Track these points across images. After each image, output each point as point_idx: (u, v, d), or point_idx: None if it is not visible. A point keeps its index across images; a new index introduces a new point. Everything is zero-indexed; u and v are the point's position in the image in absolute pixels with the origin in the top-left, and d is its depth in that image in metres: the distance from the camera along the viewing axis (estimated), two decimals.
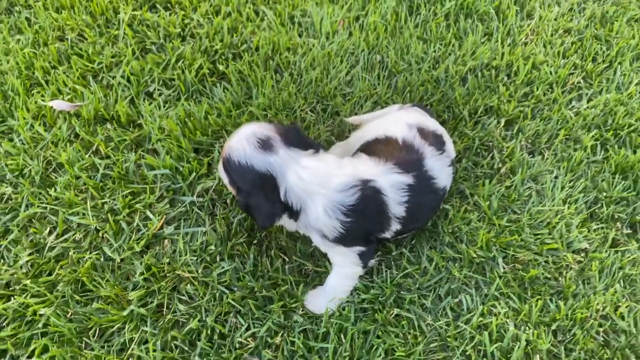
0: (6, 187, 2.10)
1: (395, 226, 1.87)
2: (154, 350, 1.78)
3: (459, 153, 2.25)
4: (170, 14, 2.62)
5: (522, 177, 2.18)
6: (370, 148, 1.97)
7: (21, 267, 1.93)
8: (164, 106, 2.32)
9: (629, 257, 2.02)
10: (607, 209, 2.12)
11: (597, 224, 2.10)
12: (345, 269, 1.90)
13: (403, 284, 1.95)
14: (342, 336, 1.83)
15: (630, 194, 2.17)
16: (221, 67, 2.43)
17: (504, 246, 2.02)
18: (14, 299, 1.85)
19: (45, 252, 1.96)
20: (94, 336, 1.82)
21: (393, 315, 1.89)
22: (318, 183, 1.73)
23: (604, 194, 2.16)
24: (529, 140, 2.29)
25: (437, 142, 1.98)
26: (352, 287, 1.93)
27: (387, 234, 1.89)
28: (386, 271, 1.97)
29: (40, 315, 1.83)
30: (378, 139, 1.99)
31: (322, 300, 1.90)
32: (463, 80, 2.45)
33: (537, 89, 2.43)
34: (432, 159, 1.92)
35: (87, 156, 2.18)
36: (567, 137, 2.32)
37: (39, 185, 2.10)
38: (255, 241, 2.03)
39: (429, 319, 1.88)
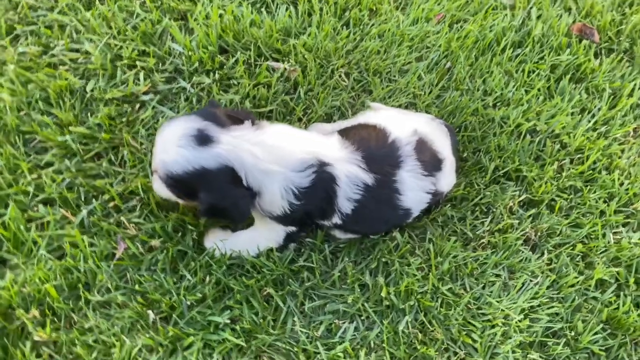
0: None
1: (336, 219, 1.72)
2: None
3: (454, 199, 1.97)
4: None
5: (498, 260, 1.86)
6: (350, 131, 1.79)
7: None
8: None
9: None
10: (564, 351, 1.75)
11: (539, 356, 1.74)
12: (263, 238, 1.80)
13: (299, 275, 1.80)
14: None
15: (601, 352, 1.77)
16: None
17: (423, 308, 1.76)
18: None
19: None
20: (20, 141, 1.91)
21: (265, 293, 1.75)
22: (275, 160, 1.60)
23: (574, 334, 1.78)
24: (537, 234, 1.94)
25: (430, 164, 1.76)
26: (255, 253, 1.80)
27: (326, 222, 1.76)
28: (294, 252, 1.83)
29: None
30: (367, 124, 1.80)
31: (218, 236, 1.81)
32: (517, 135, 2.11)
33: (592, 191, 2.03)
34: (410, 174, 1.72)
35: None
36: (582, 253, 1.93)
37: None
38: None
39: (298, 323, 1.72)
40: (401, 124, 1.80)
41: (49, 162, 1.88)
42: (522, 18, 2.39)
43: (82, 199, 1.83)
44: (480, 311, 1.78)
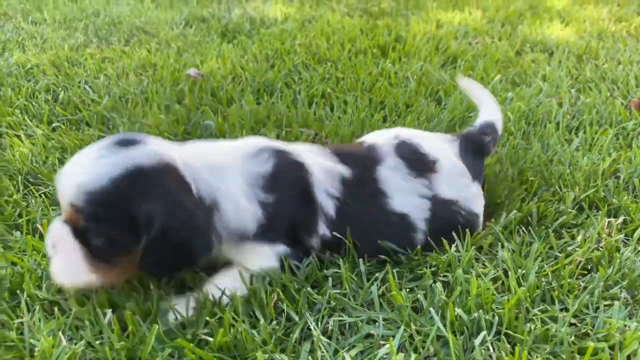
0: None
1: (323, 229, 1.32)
2: None
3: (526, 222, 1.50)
4: None
5: (604, 274, 1.29)
6: None
7: None
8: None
9: None
10: None
11: None
12: (245, 271, 1.27)
13: (322, 289, 1.28)
14: None
15: None
16: None
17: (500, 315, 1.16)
18: None
19: None
20: None
21: (275, 299, 1.22)
22: (220, 153, 1.27)
23: None
24: None
25: (416, 163, 1.43)
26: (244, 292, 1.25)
27: (314, 239, 1.32)
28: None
29: None
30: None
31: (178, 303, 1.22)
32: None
33: None
34: (392, 172, 1.39)
35: None
36: None
37: None
38: None
39: (316, 330, 1.14)
40: (382, 134, 1.56)
41: None
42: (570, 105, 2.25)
43: None
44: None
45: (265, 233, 1.26)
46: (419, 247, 1.37)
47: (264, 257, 1.28)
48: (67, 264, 1.12)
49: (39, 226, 1.50)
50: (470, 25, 3.62)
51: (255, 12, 3.87)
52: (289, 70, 2.68)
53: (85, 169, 1.09)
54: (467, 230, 1.41)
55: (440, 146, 1.52)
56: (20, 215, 1.57)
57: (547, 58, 2.97)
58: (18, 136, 1.99)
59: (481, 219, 1.49)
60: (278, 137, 1.96)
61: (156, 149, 1.15)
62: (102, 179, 1.07)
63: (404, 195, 1.38)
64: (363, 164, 1.40)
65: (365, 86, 2.45)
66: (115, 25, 3.56)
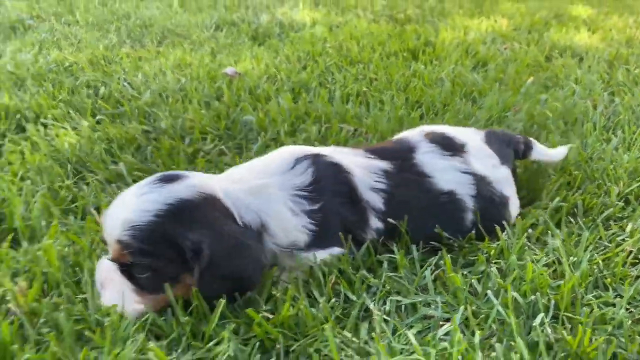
0: None
1: (375, 222, 1.33)
2: None
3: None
4: None
5: None
6: None
7: None
8: None
9: None
10: None
11: None
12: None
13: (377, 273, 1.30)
14: None
15: None
16: None
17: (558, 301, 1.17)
18: None
19: None
20: None
21: (332, 281, 1.24)
22: (258, 176, 1.27)
23: None
24: None
25: (447, 145, 1.47)
26: None
27: (369, 234, 1.34)
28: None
29: None
30: None
31: None
32: None
33: None
34: (428, 154, 1.43)
35: None
36: None
37: None
38: None
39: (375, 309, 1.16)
40: (407, 132, 1.61)
41: None
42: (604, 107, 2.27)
43: None
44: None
45: (318, 241, 1.27)
46: (472, 233, 1.39)
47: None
48: (117, 298, 1.14)
49: (92, 210, 1.54)
50: (497, 32, 3.66)
51: (284, 17, 3.93)
52: (322, 71, 2.72)
53: (130, 207, 1.12)
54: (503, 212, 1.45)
55: (465, 133, 1.56)
56: (72, 201, 1.61)
57: (577, 63, 3.00)
58: (64, 128, 2.04)
59: (513, 202, 1.51)
60: (319, 132, 1.99)
61: (196, 182, 1.18)
62: (146, 215, 1.10)
63: (447, 173, 1.41)
64: (399, 155, 1.43)
65: (399, 86, 2.48)
66: (146, 27, 3.63)
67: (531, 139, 1.73)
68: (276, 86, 2.50)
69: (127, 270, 1.14)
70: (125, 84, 2.51)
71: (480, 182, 1.43)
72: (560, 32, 3.70)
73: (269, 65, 2.77)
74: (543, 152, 1.72)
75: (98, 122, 2.10)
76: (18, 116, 2.13)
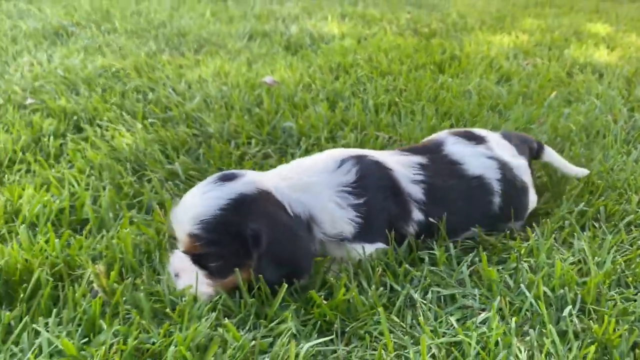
0: None
1: (417, 215, 1.47)
2: None
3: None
4: None
5: None
6: None
7: None
8: None
9: None
10: None
11: None
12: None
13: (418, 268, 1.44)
14: None
15: None
16: None
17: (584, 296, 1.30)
18: None
19: None
20: None
21: (379, 272, 1.38)
22: (307, 173, 1.42)
23: None
24: None
25: (472, 137, 1.66)
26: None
27: (411, 226, 1.48)
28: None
29: None
30: None
31: None
32: None
33: None
34: (456, 145, 1.61)
35: None
36: None
37: None
38: None
39: (419, 297, 1.29)
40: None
41: None
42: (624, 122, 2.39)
43: None
44: None
45: (364, 233, 1.41)
46: (507, 232, 1.54)
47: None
48: (192, 283, 1.28)
49: (154, 203, 1.69)
50: (518, 47, 3.79)
51: (313, 29, 4.09)
52: (354, 81, 2.87)
53: (197, 204, 1.27)
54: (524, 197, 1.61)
55: (483, 130, 1.75)
56: (134, 196, 1.77)
57: (597, 79, 3.12)
58: (118, 130, 2.20)
59: (531, 192, 1.66)
60: (356, 139, 2.14)
61: (252, 179, 1.33)
62: (212, 209, 1.25)
63: (475, 159, 1.57)
64: (430, 150, 1.60)
65: (429, 97, 2.62)
66: (183, 36, 3.81)
67: (543, 143, 1.89)
68: (312, 95, 2.65)
69: (198, 260, 1.29)
70: (170, 90, 2.67)
71: (504, 167, 1.58)
72: (580, 49, 3.83)
73: (303, 74, 2.93)
74: (555, 157, 1.88)
75: (151, 125, 2.26)
76: (75, 118, 2.30)
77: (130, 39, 3.72)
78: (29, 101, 2.46)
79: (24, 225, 1.50)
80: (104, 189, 1.75)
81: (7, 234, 1.54)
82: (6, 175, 1.85)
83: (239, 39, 3.77)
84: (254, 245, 1.25)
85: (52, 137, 2.10)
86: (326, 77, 2.91)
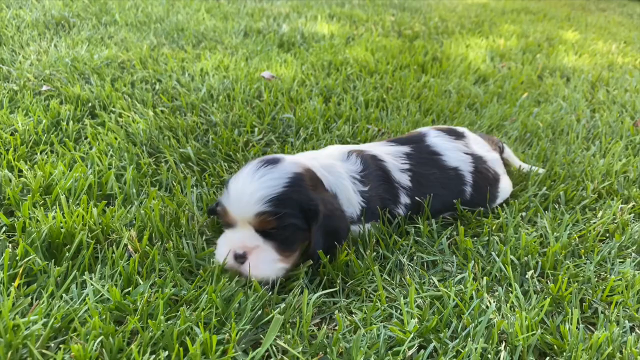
0: None
1: (404, 198, 1.73)
2: None
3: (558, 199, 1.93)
4: None
5: (619, 239, 1.70)
6: None
7: None
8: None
9: None
10: None
11: None
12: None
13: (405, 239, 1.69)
14: None
15: None
16: None
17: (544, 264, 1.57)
18: None
19: None
20: None
21: (374, 241, 1.63)
22: (329, 157, 1.67)
23: None
24: None
25: (452, 132, 1.92)
26: None
27: (400, 208, 1.74)
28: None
29: None
30: None
31: None
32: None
33: None
34: (437, 138, 1.87)
35: None
36: None
37: None
38: None
39: (406, 261, 1.55)
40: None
41: None
42: (586, 121, 2.68)
43: None
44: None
45: (364, 216, 1.65)
46: (480, 209, 1.80)
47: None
48: (264, 261, 1.41)
49: (173, 182, 1.90)
50: (495, 51, 4.08)
51: (304, 27, 4.32)
52: (344, 78, 3.11)
53: (259, 186, 1.40)
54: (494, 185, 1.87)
55: (459, 128, 2.01)
56: (153, 175, 1.98)
57: (565, 82, 3.42)
58: (130, 117, 2.40)
59: (504, 180, 1.92)
60: (350, 131, 2.38)
61: (294, 160, 1.53)
62: (277, 188, 1.40)
63: (453, 152, 1.83)
64: (415, 140, 1.86)
65: (413, 95, 2.88)
66: (181, 30, 4.00)
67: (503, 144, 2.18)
68: (306, 90, 2.89)
69: (271, 234, 1.42)
70: (175, 82, 2.87)
71: (478, 161, 1.85)
72: (551, 54, 4.14)
73: (297, 71, 3.16)
74: (510, 154, 2.18)
75: (162, 112, 2.47)
76: (90, 104, 2.49)
77: (130, 31, 3.89)
78: (44, 88, 2.64)
79: (64, 196, 1.70)
80: (124, 168, 1.96)
81: (43, 205, 1.74)
82: (33, 155, 2.05)
83: (235, 36, 3.98)
84: (313, 218, 1.43)
85: (71, 122, 2.29)
86: (318, 74, 3.15)
